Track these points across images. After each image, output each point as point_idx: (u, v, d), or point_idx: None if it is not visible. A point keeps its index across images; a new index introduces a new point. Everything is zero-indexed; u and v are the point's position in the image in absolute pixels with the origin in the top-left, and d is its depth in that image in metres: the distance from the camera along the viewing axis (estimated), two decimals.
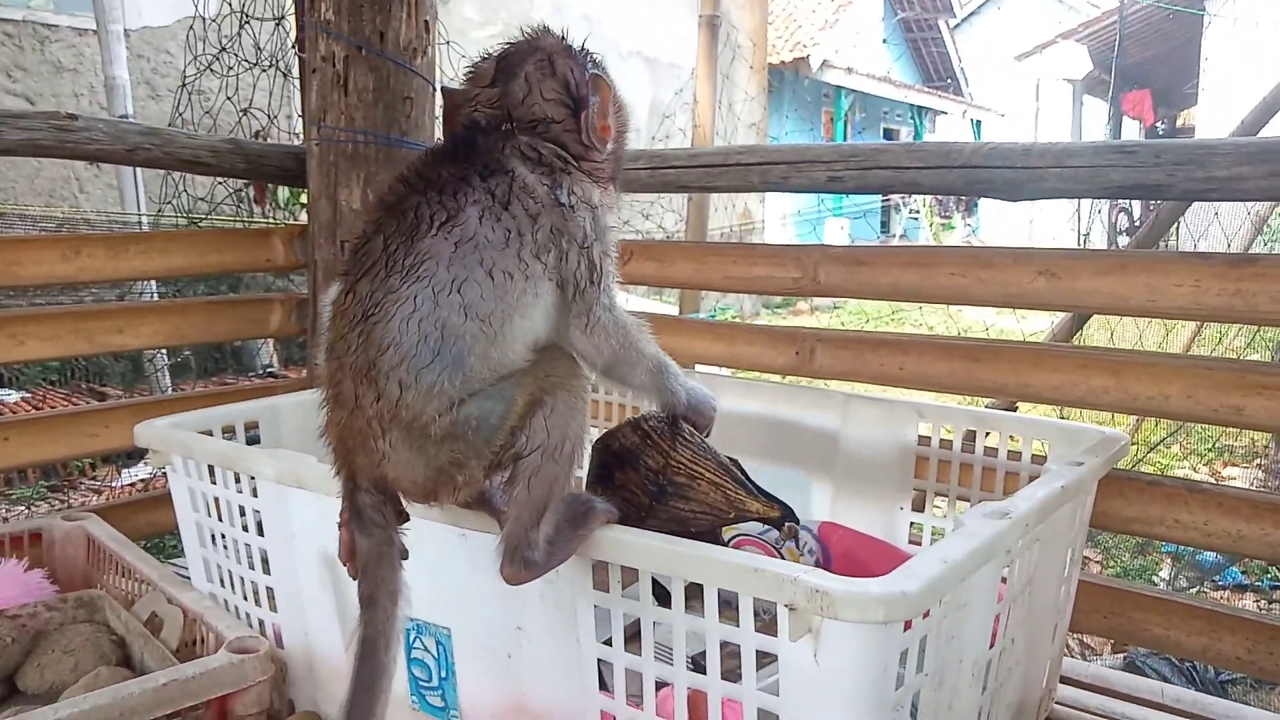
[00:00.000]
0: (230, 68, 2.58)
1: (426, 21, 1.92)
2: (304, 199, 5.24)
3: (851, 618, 0.78)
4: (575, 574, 0.97)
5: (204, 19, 2.52)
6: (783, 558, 1.50)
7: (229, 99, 2.59)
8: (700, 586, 0.88)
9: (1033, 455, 1.43)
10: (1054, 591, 1.29)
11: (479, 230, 0.88)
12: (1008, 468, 1.47)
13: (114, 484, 3.85)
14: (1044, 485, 1.10)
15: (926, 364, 1.59)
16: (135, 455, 3.62)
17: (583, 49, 1.00)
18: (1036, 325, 4.28)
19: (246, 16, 2.56)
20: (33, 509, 3.30)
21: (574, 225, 0.93)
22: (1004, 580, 1.07)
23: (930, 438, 1.54)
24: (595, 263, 0.94)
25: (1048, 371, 1.49)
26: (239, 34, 2.54)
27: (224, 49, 2.54)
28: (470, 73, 1.00)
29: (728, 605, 0.90)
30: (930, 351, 1.59)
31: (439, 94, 1.01)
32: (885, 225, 14.03)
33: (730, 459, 1.18)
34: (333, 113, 1.85)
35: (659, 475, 1.09)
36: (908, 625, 0.85)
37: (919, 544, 1.58)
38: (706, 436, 1.13)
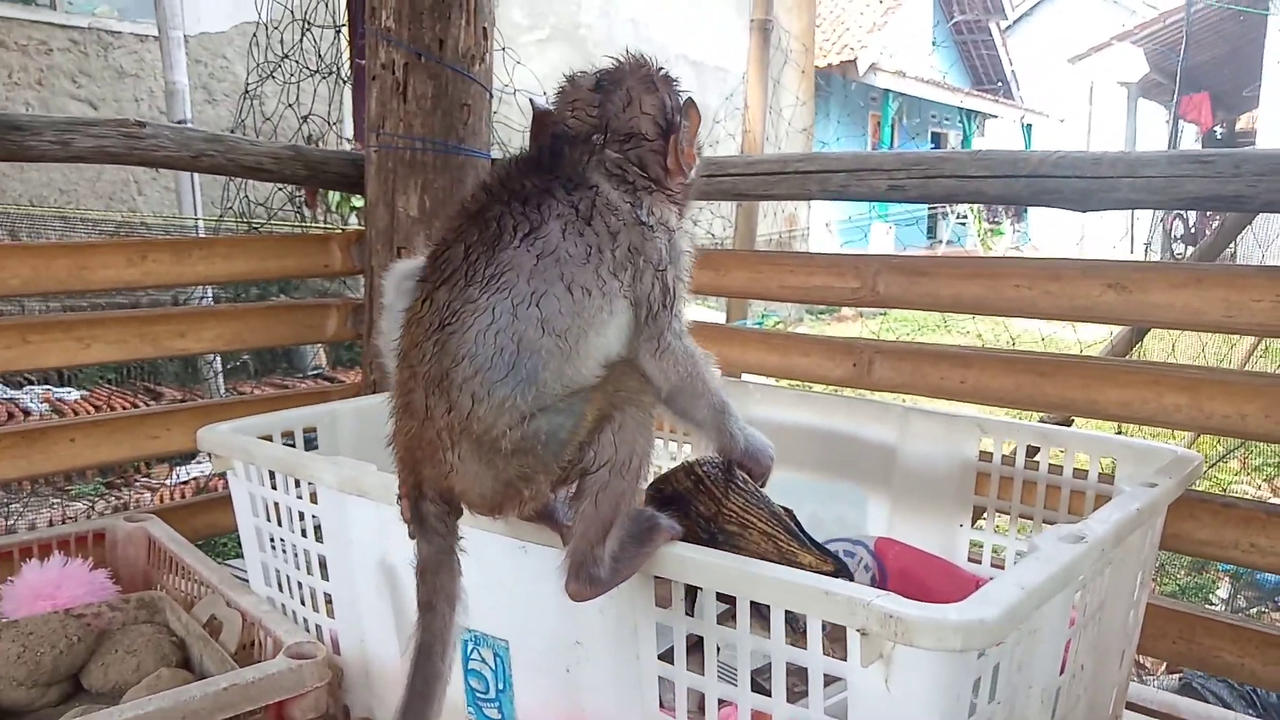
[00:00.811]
0: (291, 75, 2.62)
1: (485, 28, 1.93)
2: (354, 203, 5.31)
3: (927, 645, 0.76)
4: (637, 590, 0.96)
5: (266, 26, 2.55)
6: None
7: (289, 106, 2.63)
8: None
9: (1099, 474, 1.39)
10: (1123, 616, 1.25)
11: (561, 244, 0.87)
12: (1073, 486, 1.43)
13: (168, 482, 3.93)
14: (1119, 507, 1.07)
15: (989, 378, 1.55)
16: (190, 455, 3.69)
17: (675, 79, 1.01)
18: (1089, 336, 4.19)
19: (309, 24, 2.59)
20: (93, 507, 3.37)
21: (652, 246, 0.92)
22: (1074, 605, 1.04)
23: (992, 453, 1.51)
24: (669, 287, 0.93)
25: (1118, 387, 1.44)
26: (300, 41, 2.58)
27: (286, 56, 2.58)
28: (565, 85, 1.00)
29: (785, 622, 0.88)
30: (993, 365, 1.56)
31: (531, 106, 1.01)
32: (932, 230, 13.85)
33: (785, 509, 1.15)
34: (391, 120, 1.86)
35: (710, 522, 1.07)
36: (981, 652, 0.83)
37: (978, 562, 1.55)
38: (762, 486, 1.10)
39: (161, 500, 3.71)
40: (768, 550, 1.10)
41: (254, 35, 2.62)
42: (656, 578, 0.94)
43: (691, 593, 0.93)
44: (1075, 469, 1.43)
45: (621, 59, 0.99)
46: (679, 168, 0.97)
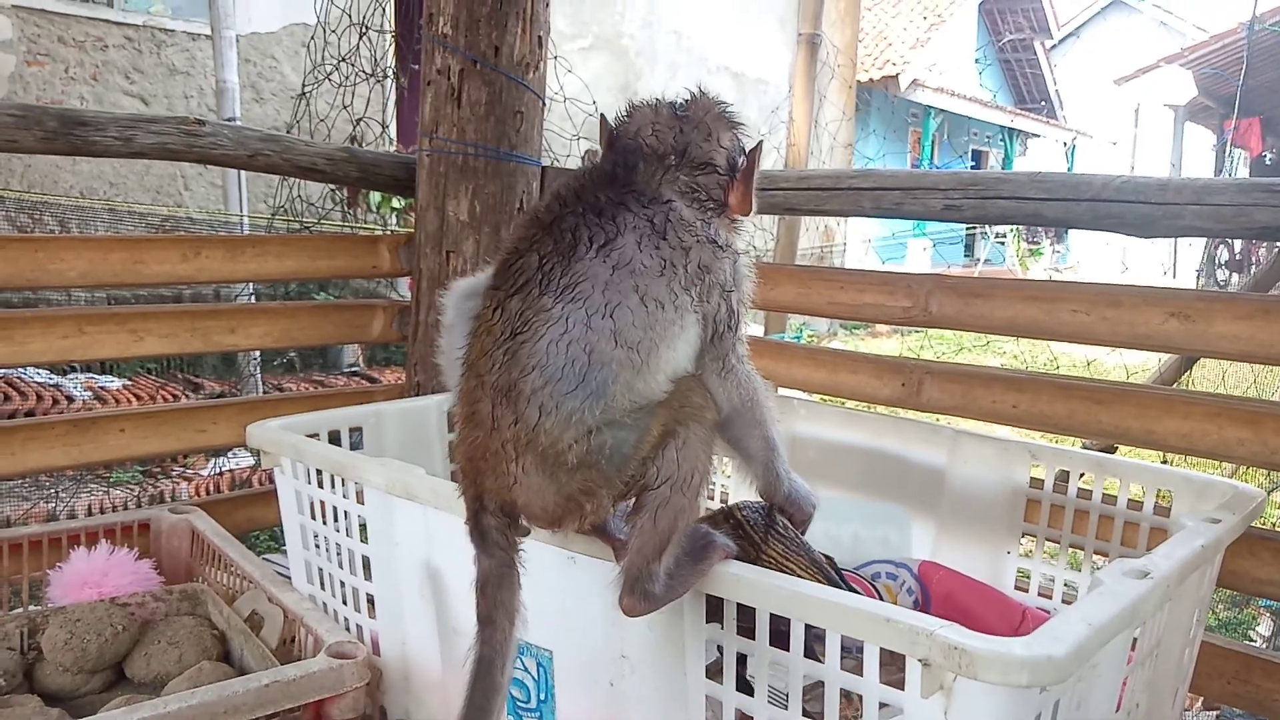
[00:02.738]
0: (347, 77, 2.65)
1: (540, 37, 1.93)
2: (395, 204, 5.35)
3: (992, 679, 0.74)
4: (687, 606, 0.95)
5: (324, 28, 2.59)
6: (880, 597, 1.46)
7: (344, 108, 2.66)
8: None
9: (1154, 505, 1.36)
10: (1178, 654, 1.22)
11: (636, 255, 0.87)
12: (1126, 517, 1.40)
13: (204, 473, 3.98)
14: (1183, 543, 1.04)
15: (1043, 403, 1.52)
16: (228, 448, 3.73)
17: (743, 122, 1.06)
18: (1133, 363, 4.10)
19: (366, 28, 2.62)
20: (138, 496, 3.42)
21: (720, 266, 0.94)
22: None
23: (1043, 480, 1.48)
24: (734, 309, 0.95)
25: (1177, 418, 1.41)
26: (357, 45, 2.61)
27: (344, 59, 2.61)
28: (641, 107, 1.02)
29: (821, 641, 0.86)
30: (1047, 390, 1.53)
31: (602, 122, 1.04)
32: (969, 249, 13.71)
33: (825, 555, 1.14)
34: (445, 125, 1.87)
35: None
36: (1044, 688, 0.81)
37: (1024, 590, 1.52)
38: (803, 533, 1.09)
39: (198, 491, 3.76)
40: None
41: (311, 37, 2.65)
42: (708, 595, 0.93)
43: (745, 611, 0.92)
44: (1129, 499, 1.40)
45: (699, 93, 1.03)
46: (743, 201, 0.99)
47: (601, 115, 1.03)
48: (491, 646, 0.93)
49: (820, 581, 1.07)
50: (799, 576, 1.04)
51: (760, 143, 1.02)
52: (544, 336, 0.85)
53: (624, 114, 1.01)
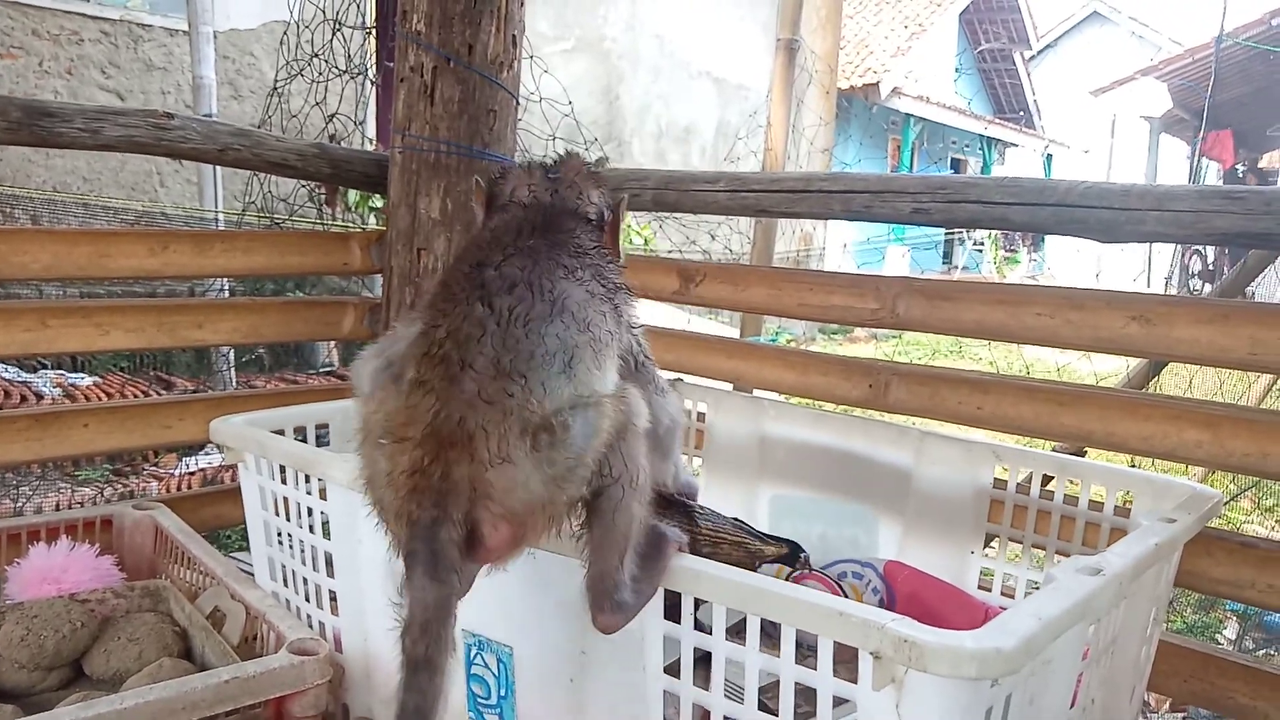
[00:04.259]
0: (320, 73, 2.64)
1: (514, 36, 1.93)
2: (374, 203, 5.33)
3: (941, 671, 0.75)
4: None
5: (298, 25, 2.57)
6: (845, 595, 1.47)
7: (317, 104, 2.65)
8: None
9: (1115, 507, 1.38)
10: (1135, 651, 1.23)
11: (584, 282, 0.96)
12: (1088, 518, 1.41)
13: (174, 472, 3.94)
14: (1137, 542, 1.05)
15: (1008, 405, 1.54)
16: (199, 446, 3.70)
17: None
18: (1104, 369, 4.15)
19: (339, 24, 2.61)
20: (101, 493, 3.38)
21: (625, 306, 1.02)
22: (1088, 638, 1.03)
23: (1006, 481, 1.50)
24: (643, 345, 1.05)
25: (1138, 421, 1.43)
26: (331, 41, 2.60)
27: (317, 54, 2.60)
28: (510, 169, 1.13)
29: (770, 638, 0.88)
30: (1012, 392, 1.54)
31: (479, 184, 1.14)
32: (948, 255, 13.83)
33: (734, 518, 1.34)
34: (418, 122, 1.87)
35: (692, 550, 1.15)
36: (995, 681, 0.82)
37: (988, 590, 1.53)
38: None
39: (168, 489, 3.72)
40: (741, 556, 1.26)
41: (284, 33, 2.64)
42: (666, 590, 0.94)
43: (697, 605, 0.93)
44: (1090, 500, 1.42)
45: (569, 154, 1.15)
46: (614, 251, 1.09)
47: (476, 179, 1.12)
48: (428, 696, 0.82)
49: (745, 538, 1.29)
50: (730, 540, 1.26)
51: (624, 198, 1.13)
52: (531, 322, 0.88)
53: (498, 175, 1.12)
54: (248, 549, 2.17)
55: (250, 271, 1.85)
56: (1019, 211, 1.53)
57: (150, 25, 5.85)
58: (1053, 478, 1.49)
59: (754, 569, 1.24)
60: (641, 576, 0.89)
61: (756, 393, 1.97)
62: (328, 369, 5.23)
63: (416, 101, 1.88)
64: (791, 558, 1.36)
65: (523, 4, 1.97)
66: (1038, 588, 1.46)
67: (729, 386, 1.99)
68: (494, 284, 0.91)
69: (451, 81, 1.86)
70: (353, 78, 2.70)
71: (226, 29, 5.92)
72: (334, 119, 2.59)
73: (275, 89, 2.65)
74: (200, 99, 4.71)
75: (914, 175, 1.80)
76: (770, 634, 0.89)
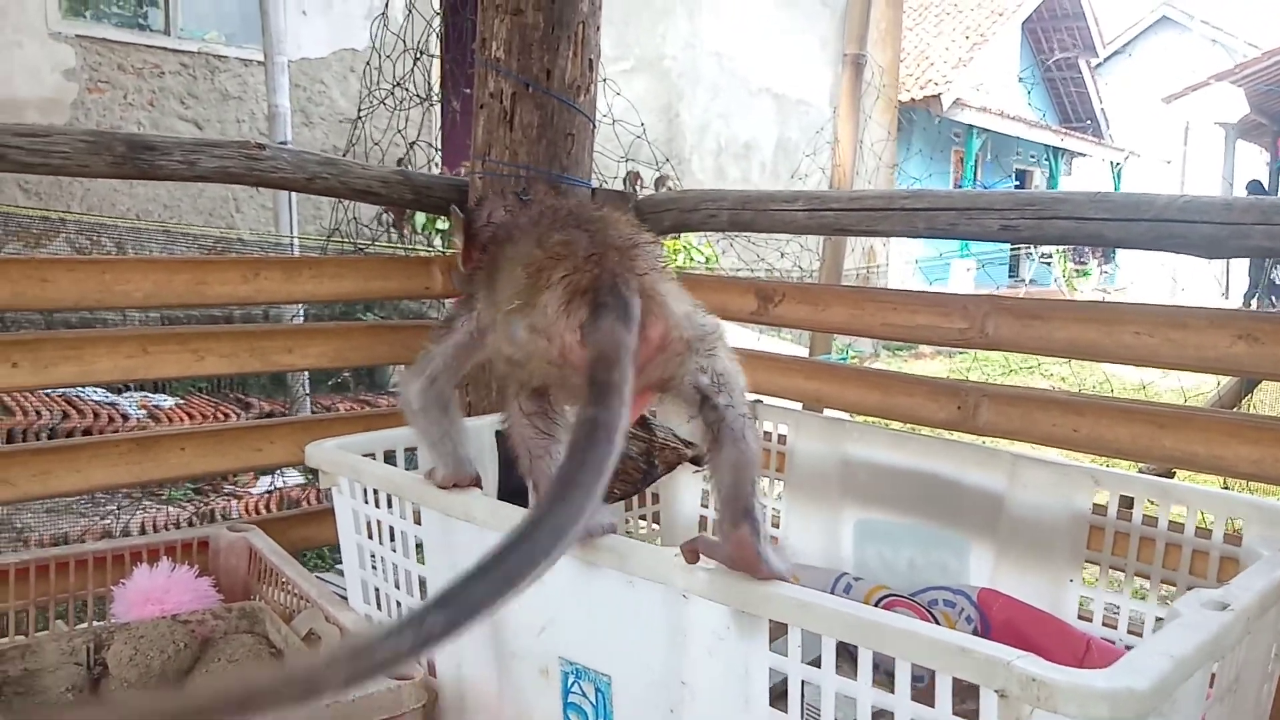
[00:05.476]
0: (401, 101, 2.71)
1: (590, 60, 1.95)
2: (439, 225, 5.40)
3: (1070, 712, 0.72)
4: (750, 633, 0.94)
5: (378, 53, 2.65)
6: (937, 622, 1.43)
7: (399, 132, 2.71)
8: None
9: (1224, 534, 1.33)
10: (1256, 690, 1.17)
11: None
12: (1195, 545, 1.36)
13: (252, 491, 4.04)
14: (1262, 574, 1.01)
15: (1104, 427, 1.49)
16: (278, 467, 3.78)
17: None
18: (1189, 385, 4.00)
19: (420, 52, 2.68)
20: (197, 512, 3.49)
21: None
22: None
23: (1106, 506, 1.45)
24: None
25: (1246, 444, 1.37)
26: (412, 70, 2.67)
27: (399, 84, 2.68)
28: (486, 197, 1.30)
29: (884, 672, 0.85)
30: (1109, 414, 1.50)
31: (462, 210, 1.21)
32: (1013, 269, 13.53)
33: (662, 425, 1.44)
34: (497, 147, 1.89)
35: (648, 458, 1.39)
36: None
37: (1088, 620, 1.48)
38: None
39: (247, 509, 3.82)
40: (672, 457, 1.41)
41: (366, 62, 2.72)
42: (771, 621, 0.92)
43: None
44: (1196, 527, 1.36)
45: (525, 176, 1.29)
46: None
47: (453, 207, 1.17)
48: (614, 416, 0.79)
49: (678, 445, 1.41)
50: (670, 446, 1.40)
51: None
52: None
53: (474, 204, 1.24)
54: (328, 569, 2.21)
55: (337, 297, 1.89)
56: (1113, 228, 1.48)
57: (226, 56, 6.06)
58: (1155, 503, 1.44)
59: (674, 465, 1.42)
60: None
61: (834, 413, 1.95)
62: (397, 389, 5.32)
63: (496, 127, 1.90)
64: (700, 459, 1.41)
65: (598, 29, 1.99)
66: (1140, 619, 1.43)
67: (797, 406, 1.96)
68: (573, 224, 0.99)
69: (530, 107, 1.89)
70: (432, 105, 2.77)
71: (298, 58, 6.11)
72: (415, 145, 2.65)
73: (358, 116, 2.72)
74: (275, 126, 4.86)
75: (1001, 191, 1.77)
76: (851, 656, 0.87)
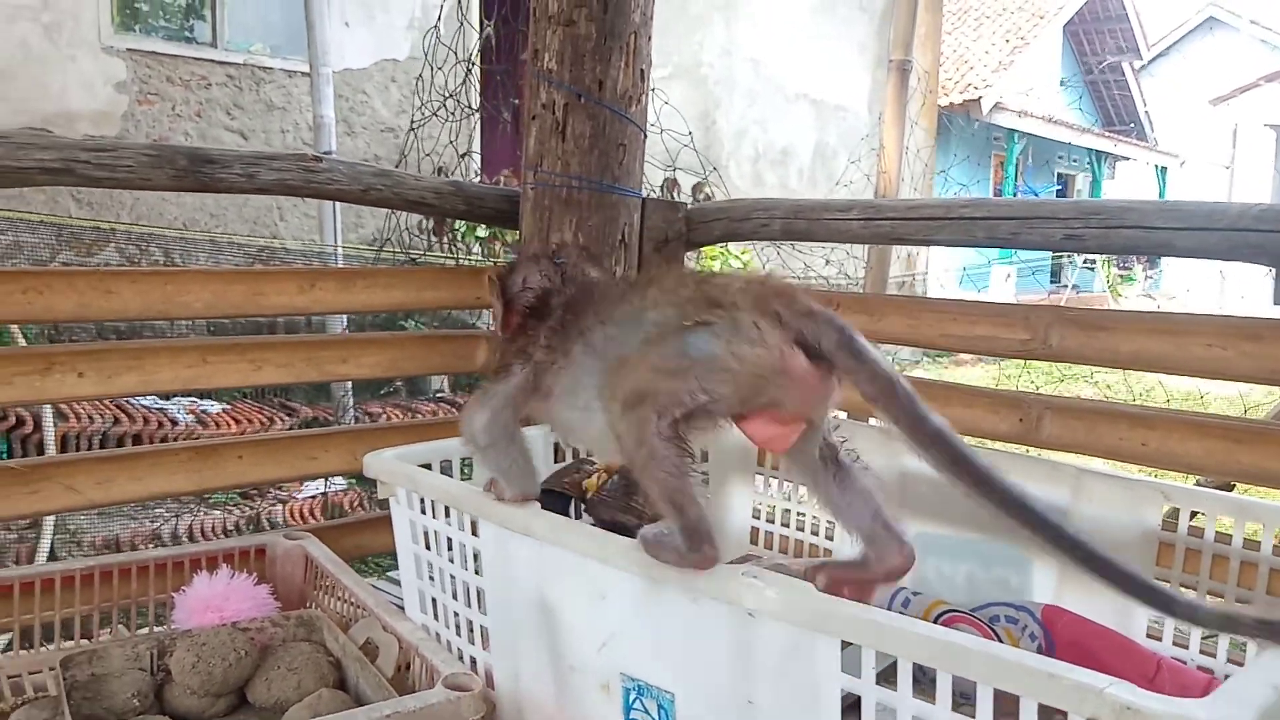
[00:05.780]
0: (453, 112, 2.73)
1: (642, 70, 1.95)
2: (479, 233, 5.45)
3: None
4: (821, 653, 0.92)
5: (431, 65, 2.67)
6: (999, 639, 1.40)
7: (451, 143, 2.73)
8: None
9: None
10: None
11: None
12: (1272, 564, 1.32)
13: (296, 496, 4.09)
14: None
15: (1175, 442, 1.45)
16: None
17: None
18: (1250, 397, 3.90)
19: (472, 64, 2.70)
20: (254, 519, 3.54)
21: None
22: None
23: (1176, 523, 1.41)
24: None
25: None
26: (465, 81, 2.69)
27: (451, 95, 2.70)
28: (520, 259, 1.30)
29: (964, 698, 0.83)
30: (1180, 428, 1.46)
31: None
32: (1055, 276, 13.33)
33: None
34: (549, 158, 1.90)
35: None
36: None
37: (1157, 639, 1.44)
38: None
39: (292, 514, 3.86)
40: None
41: (418, 76, 2.75)
42: (846, 643, 0.91)
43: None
44: (1274, 545, 1.32)
45: (560, 242, 1.33)
46: None
47: (488, 275, 1.23)
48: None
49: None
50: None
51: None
52: None
53: (506, 269, 1.23)
54: (378, 577, 2.22)
55: (390, 306, 1.91)
56: (1184, 237, 1.45)
57: (271, 68, 6.16)
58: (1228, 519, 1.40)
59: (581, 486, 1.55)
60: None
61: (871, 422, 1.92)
62: (439, 396, 5.36)
63: (548, 138, 1.91)
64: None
65: (650, 39, 1.99)
66: (1214, 640, 1.38)
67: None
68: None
69: (582, 118, 1.89)
70: (482, 117, 2.79)
71: (341, 69, 6.19)
72: (468, 155, 2.67)
73: (412, 127, 2.75)
74: (320, 137, 4.93)
75: (1065, 200, 1.73)
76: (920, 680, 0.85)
